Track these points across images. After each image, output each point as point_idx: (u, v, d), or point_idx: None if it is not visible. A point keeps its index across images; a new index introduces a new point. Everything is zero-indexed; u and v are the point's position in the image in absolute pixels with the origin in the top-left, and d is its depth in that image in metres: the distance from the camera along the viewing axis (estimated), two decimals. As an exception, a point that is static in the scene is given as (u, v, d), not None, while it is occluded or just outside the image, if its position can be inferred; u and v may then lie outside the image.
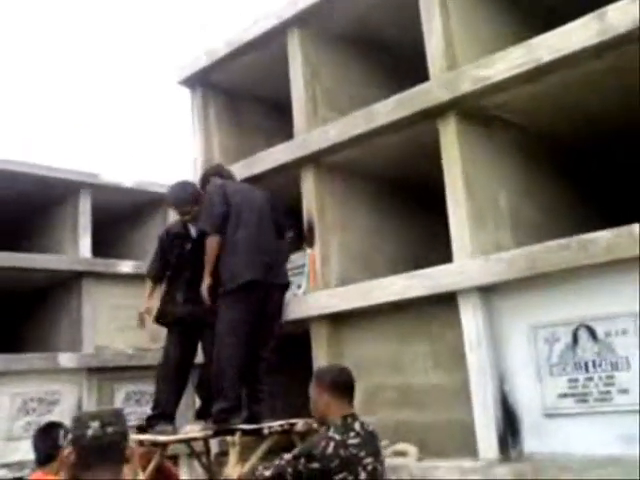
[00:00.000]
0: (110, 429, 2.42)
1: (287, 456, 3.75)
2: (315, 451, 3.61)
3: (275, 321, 5.04)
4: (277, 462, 3.75)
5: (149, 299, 5.52)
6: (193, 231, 5.36)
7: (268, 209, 5.18)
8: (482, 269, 4.23)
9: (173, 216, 9.82)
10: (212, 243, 4.94)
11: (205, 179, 5.46)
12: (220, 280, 4.87)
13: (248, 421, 4.63)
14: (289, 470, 3.66)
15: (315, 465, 3.59)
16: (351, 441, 3.66)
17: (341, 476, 3.57)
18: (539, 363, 4.03)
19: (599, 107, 4.79)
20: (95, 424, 2.43)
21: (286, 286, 5.13)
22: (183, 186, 5.49)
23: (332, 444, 3.60)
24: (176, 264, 5.39)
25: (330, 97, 5.78)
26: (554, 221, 5.08)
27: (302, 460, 3.63)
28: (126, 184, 9.46)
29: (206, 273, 4.92)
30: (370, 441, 3.78)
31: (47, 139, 27.86)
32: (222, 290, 4.85)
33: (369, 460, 3.68)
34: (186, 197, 5.36)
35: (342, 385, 3.87)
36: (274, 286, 5.00)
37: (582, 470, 3.69)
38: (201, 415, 5.10)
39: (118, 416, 2.52)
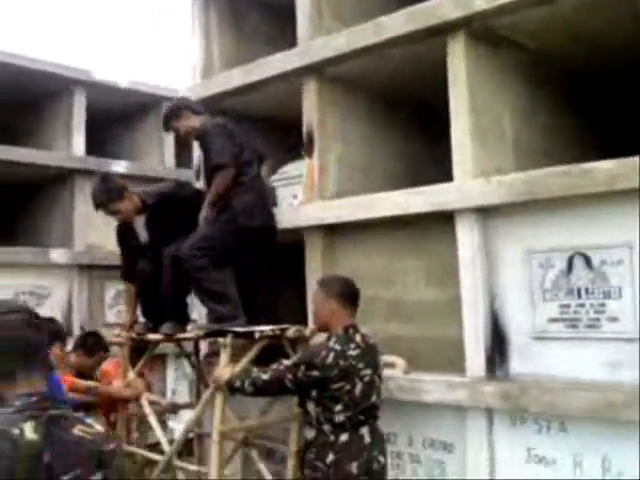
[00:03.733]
0: (22, 331, 1.97)
1: (286, 362, 3.84)
2: (315, 360, 3.71)
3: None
4: (275, 367, 3.85)
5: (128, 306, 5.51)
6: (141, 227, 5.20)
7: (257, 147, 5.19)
8: (482, 190, 4.23)
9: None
10: (227, 176, 4.79)
11: (176, 112, 5.15)
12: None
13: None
14: (289, 376, 3.76)
15: (315, 373, 3.69)
16: (351, 352, 3.76)
17: (339, 385, 3.69)
18: (532, 287, 4.09)
19: (609, 34, 4.68)
20: None
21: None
22: (103, 183, 5.07)
23: (332, 354, 3.70)
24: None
25: (335, 6, 5.61)
26: (556, 148, 5.06)
27: (302, 367, 3.73)
28: (121, 83, 9.27)
29: (209, 205, 4.84)
30: (370, 354, 3.88)
31: (41, 35, 27.02)
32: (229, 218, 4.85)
33: (367, 372, 3.79)
34: (110, 194, 4.98)
35: (349, 295, 3.95)
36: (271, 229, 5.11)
37: (565, 392, 3.81)
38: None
39: (29, 312, 2.05)
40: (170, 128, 5.23)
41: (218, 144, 4.86)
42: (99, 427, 1.98)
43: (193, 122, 5.09)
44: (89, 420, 1.99)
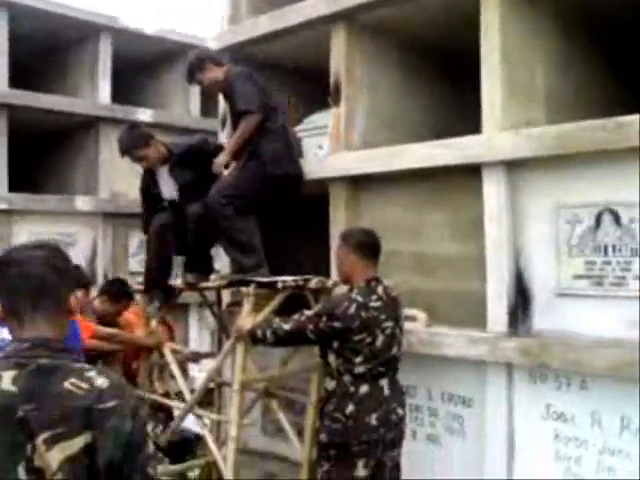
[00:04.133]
0: (38, 269, 1.80)
1: (308, 313, 3.83)
2: (337, 310, 3.69)
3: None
4: (297, 317, 3.84)
5: None
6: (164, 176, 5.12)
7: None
8: (511, 143, 4.14)
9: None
10: (254, 121, 4.70)
11: (199, 64, 5.01)
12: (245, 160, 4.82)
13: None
14: (310, 327, 3.75)
15: (336, 324, 3.68)
16: (373, 304, 3.74)
17: (360, 337, 3.68)
18: (558, 243, 4.01)
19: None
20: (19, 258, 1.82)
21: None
22: (129, 130, 5.10)
23: (354, 305, 3.69)
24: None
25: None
26: (589, 102, 4.91)
27: (324, 318, 3.72)
28: (148, 31, 9.19)
29: (230, 151, 4.79)
30: (392, 306, 3.86)
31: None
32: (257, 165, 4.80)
33: (389, 324, 3.77)
34: (136, 141, 4.97)
35: (368, 247, 3.91)
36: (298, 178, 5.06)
37: (587, 350, 3.78)
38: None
39: (55, 251, 1.88)
40: (194, 81, 5.13)
41: (244, 90, 4.78)
42: (103, 380, 1.71)
43: (216, 73, 4.98)
44: (94, 372, 1.73)
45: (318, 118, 5.70)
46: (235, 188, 4.74)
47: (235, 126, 4.90)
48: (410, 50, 5.64)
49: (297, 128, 5.72)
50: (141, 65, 10.00)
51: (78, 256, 8.16)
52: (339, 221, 5.04)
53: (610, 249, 3.83)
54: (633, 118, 3.66)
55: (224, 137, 5.84)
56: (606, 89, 5.20)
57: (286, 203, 5.07)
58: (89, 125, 8.86)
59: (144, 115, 9.07)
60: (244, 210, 4.76)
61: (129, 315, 5.66)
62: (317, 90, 5.72)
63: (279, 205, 5.05)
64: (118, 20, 8.95)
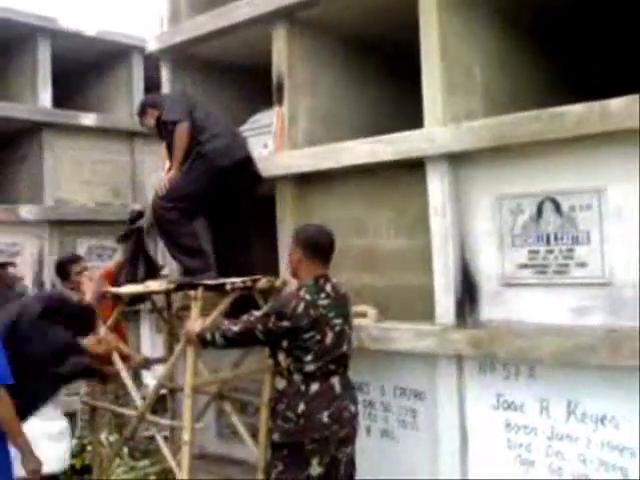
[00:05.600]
0: None
1: (257, 313, 3.81)
2: (286, 310, 3.68)
3: None
4: (246, 318, 3.81)
5: None
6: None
7: None
8: (452, 137, 4.18)
9: (137, 68, 9.59)
10: (183, 127, 4.78)
11: (141, 110, 5.28)
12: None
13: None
14: (259, 327, 3.73)
15: (285, 323, 3.67)
16: (321, 302, 3.73)
17: (309, 335, 3.67)
18: (502, 233, 4.06)
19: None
20: None
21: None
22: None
23: (302, 304, 3.67)
24: None
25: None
26: (527, 93, 4.99)
27: (272, 318, 3.70)
28: (88, 32, 9.02)
29: (176, 163, 4.80)
30: (340, 303, 3.86)
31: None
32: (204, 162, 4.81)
33: (338, 321, 3.77)
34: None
35: (316, 245, 3.88)
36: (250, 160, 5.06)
37: (534, 338, 3.83)
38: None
39: None
40: (144, 125, 5.33)
41: (167, 106, 4.96)
42: None
43: (154, 116, 5.11)
44: None
45: (262, 117, 5.67)
46: (179, 190, 4.73)
47: (171, 149, 4.92)
48: (351, 48, 5.65)
49: (242, 127, 5.69)
50: (84, 68, 9.81)
51: (25, 266, 8.00)
52: (285, 219, 5.03)
53: (552, 238, 3.89)
54: (567, 109, 3.72)
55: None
56: (543, 81, 5.28)
57: (247, 191, 5.02)
58: (31, 131, 8.66)
59: (87, 119, 8.91)
60: (190, 213, 4.74)
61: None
62: (261, 89, 5.69)
63: (239, 196, 5.01)
64: (56, 22, 8.75)
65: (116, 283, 5.19)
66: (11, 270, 5.25)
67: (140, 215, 5.26)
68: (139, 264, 5.16)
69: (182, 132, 4.78)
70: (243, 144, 5.10)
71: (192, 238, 4.79)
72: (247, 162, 4.97)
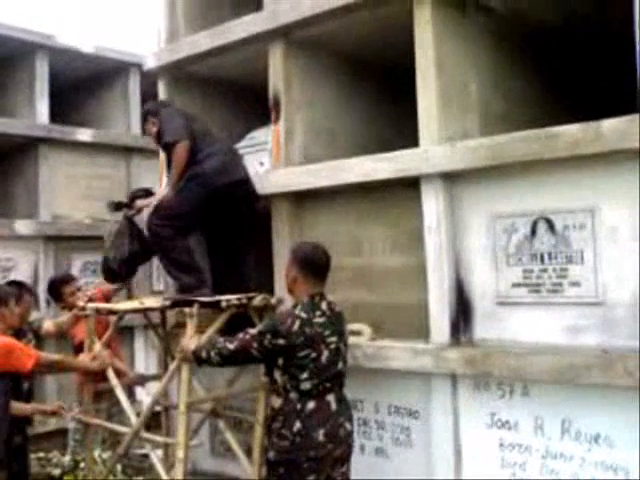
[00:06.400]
0: None
1: (252, 331, 3.81)
2: (281, 328, 3.69)
3: None
4: (241, 336, 3.82)
5: None
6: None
7: None
8: (448, 156, 4.20)
9: (134, 84, 9.63)
10: (182, 148, 4.79)
11: (144, 116, 5.38)
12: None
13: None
14: (254, 345, 3.74)
15: (280, 341, 3.67)
16: (317, 320, 3.74)
17: (305, 353, 3.68)
18: (496, 252, 4.08)
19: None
20: None
21: None
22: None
23: (298, 322, 3.68)
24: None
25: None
26: (522, 112, 5.02)
27: (268, 336, 3.71)
28: (85, 49, 9.06)
29: (172, 182, 4.83)
30: (336, 321, 3.87)
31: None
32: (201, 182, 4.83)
33: (333, 339, 3.78)
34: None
35: (311, 263, 3.89)
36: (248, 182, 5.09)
37: (527, 356, 3.84)
38: None
39: None
40: (146, 132, 5.43)
41: (168, 126, 4.94)
42: None
43: (155, 126, 5.16)
44: None
45: (259, 134, 5.70)
46: (173, 209, 4.77)
47: (170, 165, 4.95)
48: (347, 65, 5.68)
49: (238, 145, 5.71)
50: (81, 84, 9.84)
51: (19, 280, 7.96)
52: (281, 237, 5.04)
53: (546, 256, 3.91)
54: (564, 129, 3.75)
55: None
56: (538, 99, 5.32)
57: (244, 211, 5.03)
58: (27, 146, 8.68)
59: (84, 135, 8.93)
60: (184, 230, 4.76)
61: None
62: (258, 106, 5.73)
63: (234, 217, 5.02)
64: (54, 38, 8.79)
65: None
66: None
67: (121, 205, 5.36)
68: (125, 243, 5.22)
69: (181, 152, 4.79)
70: (240, 163, 5.11)
71: (187, 254, 4.80)
72: (243, 182, 4.99)
